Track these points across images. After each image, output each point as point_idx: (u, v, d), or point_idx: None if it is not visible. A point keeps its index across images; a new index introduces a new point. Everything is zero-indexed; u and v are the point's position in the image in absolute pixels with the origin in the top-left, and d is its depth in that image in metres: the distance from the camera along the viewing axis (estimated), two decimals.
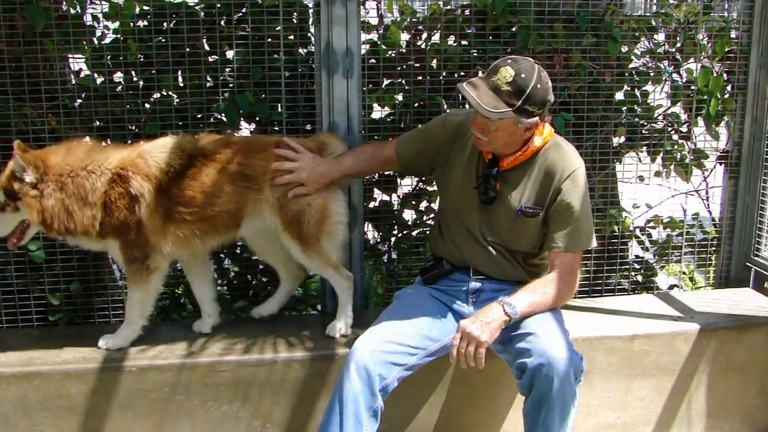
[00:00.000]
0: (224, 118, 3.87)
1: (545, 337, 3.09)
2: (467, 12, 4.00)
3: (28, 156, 3.32)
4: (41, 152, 3.41)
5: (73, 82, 3.90)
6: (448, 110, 3.99)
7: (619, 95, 4.25)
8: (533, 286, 3.24)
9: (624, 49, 4.13)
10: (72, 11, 3.82)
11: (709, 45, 4.22)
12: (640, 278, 4.47)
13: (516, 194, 3.30)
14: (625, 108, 4.23)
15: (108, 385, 3.45)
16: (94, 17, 3.86)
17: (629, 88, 4.25)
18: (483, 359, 3.04)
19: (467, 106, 3.57)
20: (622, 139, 4.27)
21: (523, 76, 3.05)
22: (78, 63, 3.90)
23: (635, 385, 3.78)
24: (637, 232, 4.48)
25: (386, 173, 4.06)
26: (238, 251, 4.11)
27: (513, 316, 3.10)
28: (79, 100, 3.85)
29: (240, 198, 3.50)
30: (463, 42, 4.03)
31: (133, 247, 3.47)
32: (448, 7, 4.03)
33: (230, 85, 3.86)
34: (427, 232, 4.16)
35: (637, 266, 4.49)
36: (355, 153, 3.65)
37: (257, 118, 3.91)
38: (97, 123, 3.85)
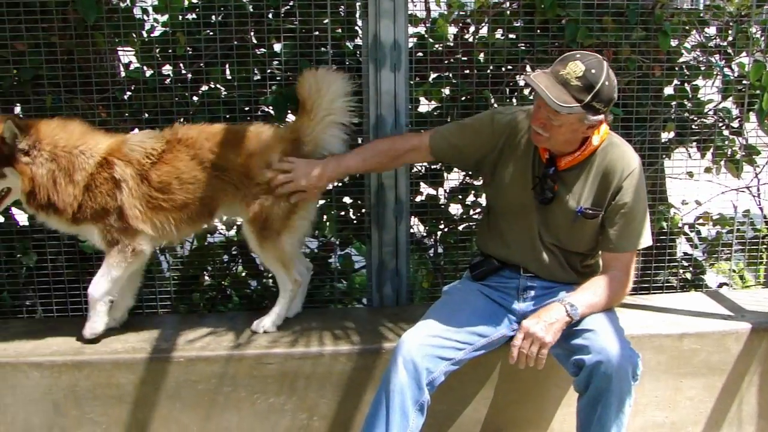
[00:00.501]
0: (272, 111, 3.87)
1: (603, 335, 3.06)
2: (515, 5, 3.97)
3: (21, 123, 3.34)
4: (34, 121, 3.43)
5: (123, 74, 3.94)
6: (495, 105, 3.97)
7: (669, 90, 4.20)
8: (591, 286, 3.20)
9: (674, 42, 4.07)
10: (122, 4, 3.86)
11: (762, 38, 4.15)
12: (688, 276, 4.42)
13: (574, 195, 3.25)
14: (674, 103, 4.18)
15: (156, 375, 3.48)
16: (144, 10, 3.90)
17: (679, 83, 4.20)
18: (544, 360, 3.03)
19: (531, 95, 3.49)
20: (672, 135, 4.21)
21: (593, 71, 2.99)
22: (128, 56, 3.93)
23: (684, 385, 3.73)
24: (686, 229, 4.42)
25: (433, 167, 4.04)
26: None
27: (575, 317, 3.08)
28: (129, 93, 3.90)
29: (212, 188, 3.51)
30: (511, 35, 4.01)
31: (113, 231, 3.48)
32: (497, 0, 4.00)
33: (278, 78, 3.87)
34: (474, 227, 4.14)
35: (685, 264, 4.43)
36: (363, 150, 3.60)
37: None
38: (146, 115, 3.88)
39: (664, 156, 4.21)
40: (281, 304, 3.68)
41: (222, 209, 3.60)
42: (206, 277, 4.23)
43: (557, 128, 3.09)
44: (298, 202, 3.53)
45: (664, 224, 4.22)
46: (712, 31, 4.25)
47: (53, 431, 3.50)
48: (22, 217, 4.01)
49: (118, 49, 3.92)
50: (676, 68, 4.16)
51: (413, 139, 3.55)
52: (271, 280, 4.15)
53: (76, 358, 3.48)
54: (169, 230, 3.53)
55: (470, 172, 4.10)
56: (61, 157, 3.38)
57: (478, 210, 4.14)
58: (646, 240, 3.28)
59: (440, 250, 4.26)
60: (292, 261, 3.64)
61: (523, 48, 3.97)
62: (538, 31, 3.92)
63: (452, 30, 4.03)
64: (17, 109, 3.88)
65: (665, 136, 4.22)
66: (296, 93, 3.59)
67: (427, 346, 3.13)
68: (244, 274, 4.24)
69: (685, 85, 4.19)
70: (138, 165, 3.44)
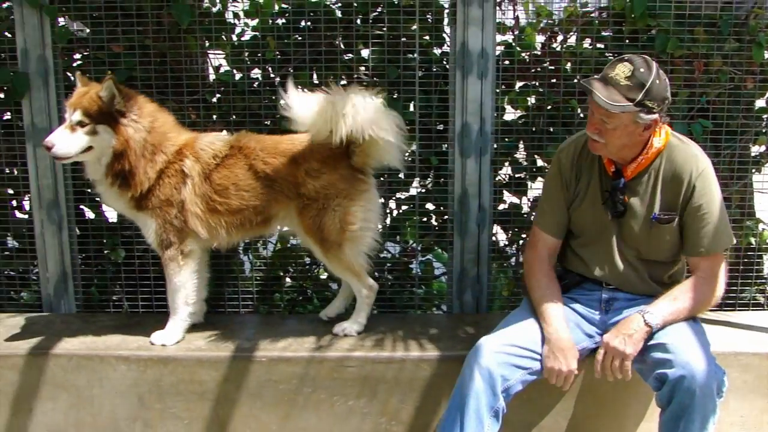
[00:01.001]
0: None
1: (687, 348, 3.00)
2: (604, 14, 3.93)
3: (121, 87, 3.42)
4: (135, 92, 3.52)
5: (213, 77, 4.01)
6: (581, 115, 3.93)
7: (761, 102, 4.11)
8: (674, 293, 3.15)
9: (767, 54, 3.98)
10: (214, 9, 3.94)
11: None
12: None
13: (645, 203, 3.21)
14: (766, 116, 4.08)
15: (239, 373, 3.54)
16: (235, 14, 3.98)
17: None
18: (630, 371, 3.02)
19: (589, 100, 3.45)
20: (763, 149, 4.12)
21: (642, 70, 3.00)
22: (218, 59, 4.01)
23: None
24: None
25: (517, 175, 4.03)
26: None
27: (654, 326, 3.04)
28: (218, 95, 3.97)
29: (264, 196, 3.56)
30: (599, 45, 3.97)
31: (169, 231, 3.54)
32: (586, 9, 3.97)
33: (365, 84, 3.89)
34: None
35: None
36: (556, 300, 3.31)
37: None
38: (234, 117, 3.95)
39: (753, 170, 4.12)
40: (363, 310, 3.71)
41: (278, 219, 3.65)
42: (288, 279, 4.28)
43: (612, 132, 3.08)
44: (352, 213, 3.54)
45: (752, 240, 4.12)
46: None
47: (137, 423, 3.60)
48: (111, 214, 4.13)
49: (209, 52, 3.99)
50: None
51: (539, 251, 3.41)
52: None
53: (162, 353, 3.56)
54: (221, 233, 3.59)
55: None
56: (155, 135, 3.48)
57: None
58: (728, 239, 3.22)
59: (521, 259, 4.23)
60: (363, 268, 3.66)
61: (612, 58, 3.92)
62: (627, 41, 3.87)
63: (540, 39, 4.01)
64: None
65: (756, 149, 4.12)
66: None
67: (503, 354, 3.12)
68: (324, 276, 4.27)
69: None
70: (204, 164, 3.53)
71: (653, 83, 3.00)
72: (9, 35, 3.89)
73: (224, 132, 3.88)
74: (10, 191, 4.16)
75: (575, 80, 3.92)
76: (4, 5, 3.89)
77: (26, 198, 4.11)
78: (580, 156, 3.32)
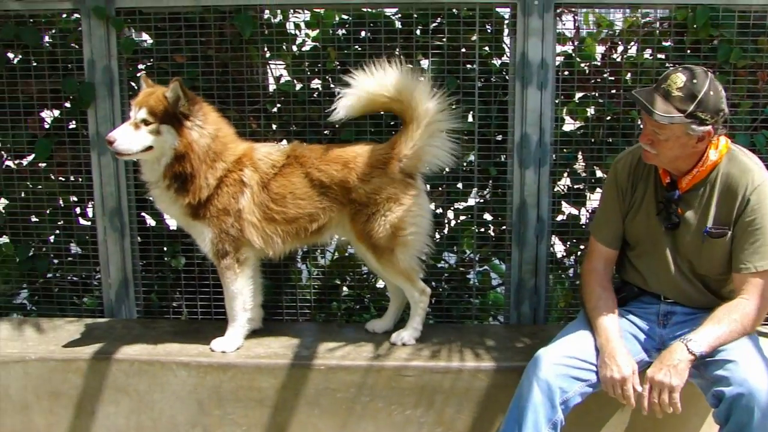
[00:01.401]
0: None
1: (745, 365, 2.94)
2: (666, 24, 3.90)
3: (188, 92, 3.48)
4: (200, 98, 3.57)
5: (274, 87, 4.06)
6: (641, 126, 3.89)
7: None
8: (719, 315, 3.07)
9: None
10: (275, 20, 4.00)
11: None
12: None
13: (700, 215, 3.17)
14: None
15: (297, 381, 3.57)
16: (296, 25, 4.02)
17: None
18: (679, 404, 2.95)
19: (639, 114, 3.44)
20: None
21: (695, 81, 2.97)
22: (279, 69, 4.06)
23: None
24: None
25: (575, 186, 4.01)
26: (423, 258, 4.15)
27: (698, 354, 2.97)
28: (278, 105, 4.02)
29: (319, 205, 3.59)
30: (660, 55, 3.94)
31: (225, 240, 3.58)
32: (647, 19, 3.94)
33: None
34: None
35: None
36: (611, 315, 3.27)
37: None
38: (294, 127, 3.99)
39: None
40: (418, 315, 3.72)
41: (331, 227, 3.67)
42: (345, 288, 4.30)
43: (664, 143, 3.04)
44: (403, 218, 3.57)
45: None
46: None
47: (196, 429, 3.64)
48: (172, 222, 4.19)
49: (270, 62, 4.05)
50: None
51: (594, 262, 3.40)
52: None
53: (222, 360, 3.61)
54: (276, 242, 3.63)
55: None
56: (218, 143, 3.53)
57: None
58: None
59: (579, 270, 4.20)
60: (415, 272, 3.67)
61: (665, 73, 3.88)
62: (689, 51, 3.83)
63: (600, 49, 3.99)
64: None
65: None
66: (392, 108, 3.63)
67: (561, 366, 3.10)
68: (381, 285, 4.29)
69: None
70: (263, 174, 3.57)
71: (706, 95, 2.96)
72: (76, 46, 3.98)
73: (284, 141, 3.93)
74: (75, 199, 4.25)
75: (633, 91, 3.88)
76: (72, 17, 3.98)
77: (90, 205, 4.20)
78: (636, 166, 3.30)
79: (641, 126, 3.83)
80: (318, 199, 3.59)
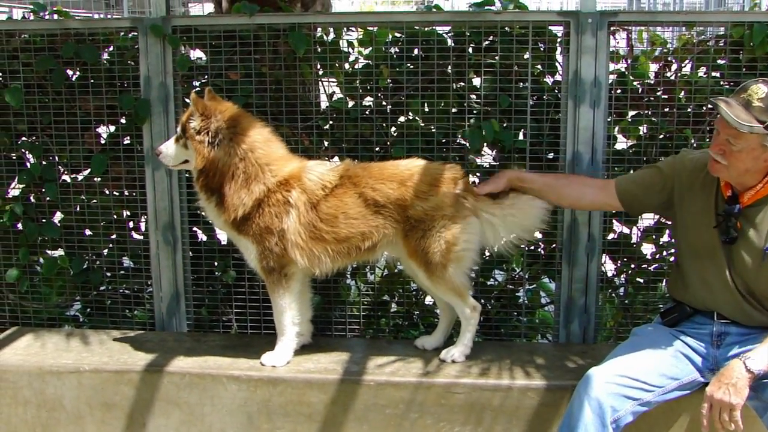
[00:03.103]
0: (467, 144, 3.94)
1: None
2: (721, 42, 3.86)
3: (207, 104, 3.53)
4: (233, 112, 3.59)
5: (326, 104, 4.10)
6: (695, 145, 3.87)
7: None
8: None
9: None
10: (328, 38, 4.04)
11: None
12: None
13: (760, 233, 3.12)
14: None
15: (346, 396, 3.57)
16: (350, 43, 4.06)
17: None
18: (740, 422, 2.91)
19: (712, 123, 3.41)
20: None
21: None
22: (331, 86, 4.10)
23: None
24: None
25: None
26: (473, 275, 4.14)
27: (757, 373, 2.93)
28: (331, 122, 4.05)
29: (373, 223, 3.58)
30: (715, 74, 3.90)
31: (269, 257, 3.59)
32: (702, 37, 3.92)
33: (475, 112, 3.92)
34: (665, 268, 4.03)
35: None
36: (550, 175, 3.70)
37: (500, 145, 3.94)
38: (345, 144, 4.02)
39: None
40: (469, 331, 3.71)
41: (383, 245, 3.67)
42: (393, 304, 4.31)
43: (737, 154, 3.01)
44: (455, 233, 3.57)
45: None
46: None
47: None
48: (223, 237, 4.24)
49: (323, 79, 4.09)
50: None
51: (599, 180, 3.59)
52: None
53: (272, 374, 3.63)
54: (324, 261, 3.63)
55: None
56: (250, 165, 3.55)
57: (672, 250, 4.03)
58: None
59: (630, 289, 4.17)
60: (466, 288, 3.67)
61: (727, 87, 3.86)
62: (745, 69, 3.80)
63: (653, 67, 3.97)
64: None
65: None
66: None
67: (613, 384, 3.07)
68: (430, 302, 4.29)
69: None
70: (312, 194, 3.58)
71: None
72: (132, 63, 4.06)
73: (335, 158, 3.95)
74: (128, 213, 4.32)
75: (689, 109, 3.86)
76: (130, 35, 4.06)
77: (143, 219, 4.26)
78: (702, 172, 3.26)
79: (695, 145, 3.86)
80: (372, 218, 3.59)
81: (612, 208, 3.57)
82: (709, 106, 3.21)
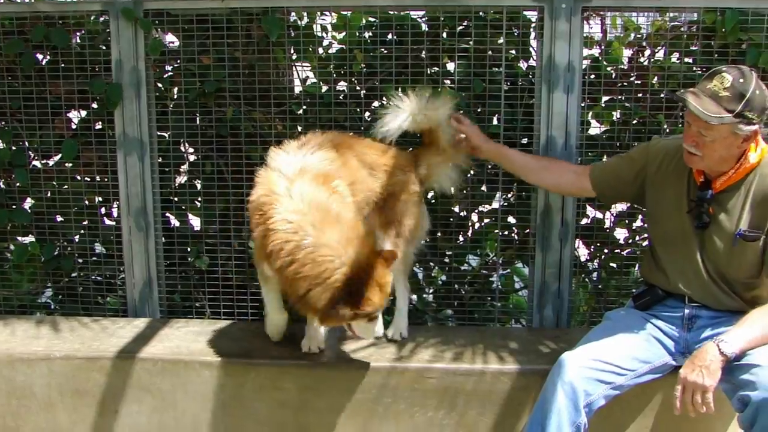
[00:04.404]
0: None
1: None
2: (694, 28, 3.88)
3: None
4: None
5: (300, 89, 4.08)
6: (667, 130, 3.89)
7: None
8: (752, 318, 3.06)
9: None
10: (302, 22, 4.02)
11: None
12: None
13: (732, 217, 3.16)
14: None
15: (319, 382, 3.57)
16: (323, 28, 4.04)
17: None
18: (712, 404, 2.94)
19: (681, 114, 3.45)
20: None
21: (741, 80, 2.97)
22: (305, 71, 4.07)
23: None
24: None
25: None
26: (446, 260, 4.16)
27: (730, 355, 2.96)
28: (304, 107, 4.03)
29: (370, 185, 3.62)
30: (688, 59, 3.91)
31: None
32: (675, 23, 3.93)
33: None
34: (638, 253, 4.06)
35: None
36: (530, 156, 3.75)
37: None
38: (319, 129, 3.99)
39: None
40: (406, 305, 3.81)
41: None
42: None
43: (710, 145, 3.04)
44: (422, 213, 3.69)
45: None
46: None
47: (218, 429, 3.65)
48: (196, 222, 4.22)
49: (296, 64, 4.06)
50: None
51: (576, 166, 3.62)
52: (431, 296, 4.20)
53: (245, 360, 3.62)
54: None
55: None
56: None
57: (644, 235, 4.05)
58: None
59: (603, 274, 4.19)
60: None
61: (700, 72, 3.86)
62: (717, 55, 3.81)
63: (627, 53, 3.98)
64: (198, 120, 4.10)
65: None
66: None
67: (586, 369, 3.10)
68: None
69: None
70: None
71: (753, 93, 2.96)
72: (104, 48, 4.01)
73: None
74: (100, 199, 4.28)
75: (662, 95, 3.88)
76: (101, 19, 4.01)
77: (115, 205, 4.22)
78: (672, 159, 3.29)
79: (668, 130, 3.88)
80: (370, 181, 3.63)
81: (587, 194, 3.60)
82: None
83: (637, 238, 4.11)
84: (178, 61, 4.04)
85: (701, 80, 3.08)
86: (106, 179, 4.16)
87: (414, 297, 4.15)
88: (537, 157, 3.76)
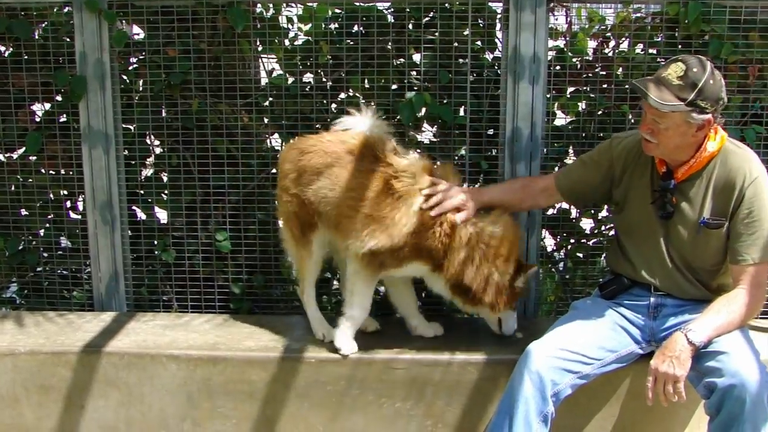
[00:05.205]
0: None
1: (737, 357, 2.97)
2: (658, 19, 3.91)
3: None
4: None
5: (266, 81, 4.06)
6: (632, 120, 3.92)
7: None
8: (717, 306, 3.11)
9: None
10: (268, 14, 4.00)
11: None
12: None
13: (695, 206, 3.20)
14: None
15: (287, 374, 3.56)
16: (289, 19, 4.02)
17: None
18: (683, 393, 2.98)
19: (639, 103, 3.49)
20: None
21: (695, 70, 3.00)
22: (271, 63, 4.06)
23: None
24: None
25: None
26: None
27: (698, 344, 2.99)
28: (270, 99, 4.01)
29: None
30: (652, 50, 3.95)
31: None
32: (639, 14, 3.96)
33: (416, 88, 3.92)
34: (604, 243, 4.09)
35: None
36: (500, 185, 3.74)
37: (440, 121, 3.94)
38: (285, 121, 3.99)
39: None
40: None
41: None
42: (335, 281, 4.29)
43: (664, 132, 3.08)
44: None
45: None
46: None
47: (186, 422, 3.64)
48: (163, 215, 4.19)
49: (262, 56, 4.05)
50: None
51: (543, 180, 3.62)
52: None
53: (212, 353, 3.60)
54: None
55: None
56: None
57: (610, 225, 4.08)
58: None
59: (569, 264, 4.21)
60: None
61: (664, 63, 3.89)
62: (680, 46, 3.84)
63: (592, 44, 4.00)
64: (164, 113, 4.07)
65: None
66: None
67: (553, 358, 3.13)
68: None
69: None
70: None
71: (706, 83, 2.99)
72: (68, 39, 3.97)
73: (275, 135, 3.90)
74: (65, 192, 4.23)
75: (627, 86, 3.90)
76: (64, 10, 3.97)
77: (80, 199, 4.18)
78: (635, 152, 3.32)
79: (632, 120, 3.91)
80: None
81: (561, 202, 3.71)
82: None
83: (603, 228, 4.14)
84: (144, 53, 4.01)
85: (659, 68, 3.12)
86: (71, 172, 4.12)
87: (382, 289, 4.14)
88: (510, 190, 3.66)
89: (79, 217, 4.21)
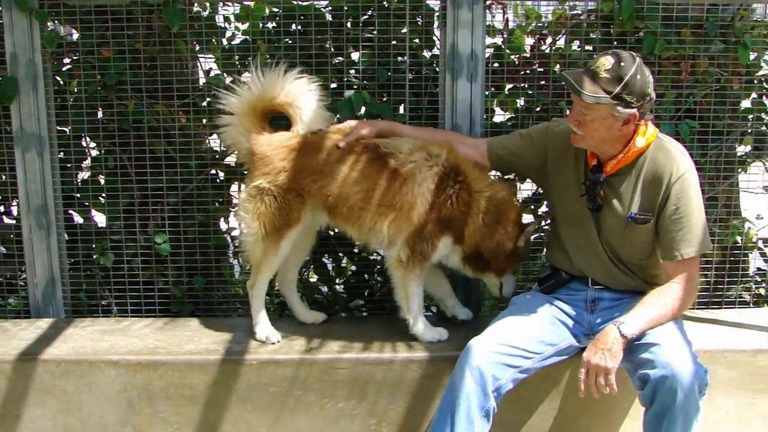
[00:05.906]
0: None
1: (669, 348, 3.02)
2: (593, 17, 3.95)
3: None
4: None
5: (203, 81, 4.01)
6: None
7: (747, 103, 4.14)
8: (650, 300, 3.15)
9: (753, 55, 4.01)
10: (204, 13, 3.96)
11: None
12: (762, 291, 4.32)
13: (624, 200, 3.25)
14: (752, 116, 4.12)
15: (229, 377, 3.53)
16: (226, 18, 3.98)
17: (757, 96, 4.13)
18: (615, 385, 3.01)
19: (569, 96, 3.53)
20: (749, 148, 4.15)
21: (622, 64, 3.05)
22: (208, 62, 4.01)
23: (758, 401, 3.64)
24: (761, 244, 4.34)
25: (506, 176, 4.04)
26: (355, 251, 4.14)
27: (630, 337, 3.04)
28: (208, 99, 3.97)
29: None
30: (588, 47, 3.99)
31: None
32: (575, 11, 4.00)
33: (355, 87, 3.91)
34: (544, 238, 4.12)
35: (759, 279, 4.34)
36: (423, 129, 3.76)
37: (379, 119, 3.93)
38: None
39: (739, 170, 4.14)
40: None
41: None
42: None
43: (590, 124, 3.12)
44: None
45: (738, 239, 4.15)
46: None
47: (126, 428, 3.58)
48: (100, 219, 4.11)
49: (199, 56, 4.00)
50: (755, 81, 4.10)
51: (473, 139, 3.67)
52: (341, 287, 4.19)
53: (151, 357, 3.55)
54: None
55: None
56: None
57: (549, 221, 4.12)
58: (702, 245, 3.19)
59: None
60: None
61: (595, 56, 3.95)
62: (615, 42, 3.90)
63: (529, 41, 4.03)
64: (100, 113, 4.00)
65: (742, 149, 4.15)
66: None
67: (494, 353, 3.14)
68: (315, 279, 4.27)
69: (764, 98, 4.12)
70: None
71: (633, 77, 3.04)
72: None
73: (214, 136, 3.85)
74: None
75: (562, 72, 3.93)
76: None
77: (14, 203, 4.09)
78: (568, 140, 3.34)
79: (567, 115, 3.94)
80: None
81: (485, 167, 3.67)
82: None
83: (543, 223, 4.17)
84: (77, 54, 3.93)
85: (588, 63, 3.17)
86: (3, 176, 4.03)
87: (324, 288, 4.14)
88: (434, 130, 3.76)
89: (14, 222, 4.12)
